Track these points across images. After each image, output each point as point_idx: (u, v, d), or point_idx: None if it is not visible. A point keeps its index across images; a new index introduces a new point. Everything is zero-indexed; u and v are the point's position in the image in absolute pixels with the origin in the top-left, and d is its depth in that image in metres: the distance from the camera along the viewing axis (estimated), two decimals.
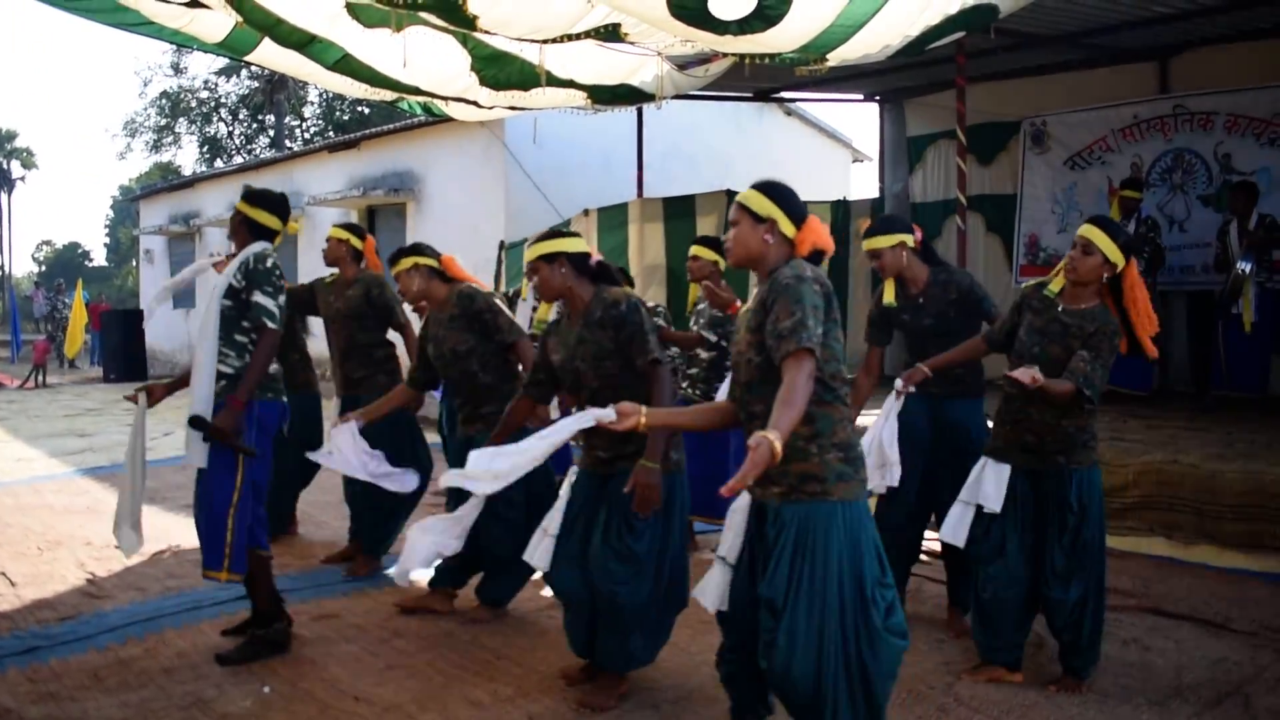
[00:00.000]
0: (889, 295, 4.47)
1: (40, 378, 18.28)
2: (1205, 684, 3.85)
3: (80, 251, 61.96)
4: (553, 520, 3.78)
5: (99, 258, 60.99)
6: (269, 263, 4.10)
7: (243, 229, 4.24)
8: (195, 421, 3.94)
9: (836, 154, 16.71)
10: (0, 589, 5.16)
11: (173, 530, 6.39)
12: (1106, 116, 8.99)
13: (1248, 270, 7.18)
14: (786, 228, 2.99)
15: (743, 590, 3.01)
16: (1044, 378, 3.51)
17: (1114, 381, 4.39)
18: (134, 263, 36.74)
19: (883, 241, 4.40)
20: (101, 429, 11.64)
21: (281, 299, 4.10)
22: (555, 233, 3.90)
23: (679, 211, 10.69)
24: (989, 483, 3.86)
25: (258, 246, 4.15)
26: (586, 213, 10.83)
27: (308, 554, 5.75)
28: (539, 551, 3.77)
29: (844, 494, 2.83)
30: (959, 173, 7.64)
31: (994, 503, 3.84)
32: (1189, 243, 8.35)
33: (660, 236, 10.62)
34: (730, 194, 10.80)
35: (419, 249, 4.75)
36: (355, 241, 5.60)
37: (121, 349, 18.75)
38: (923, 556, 5.12)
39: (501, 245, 11.48)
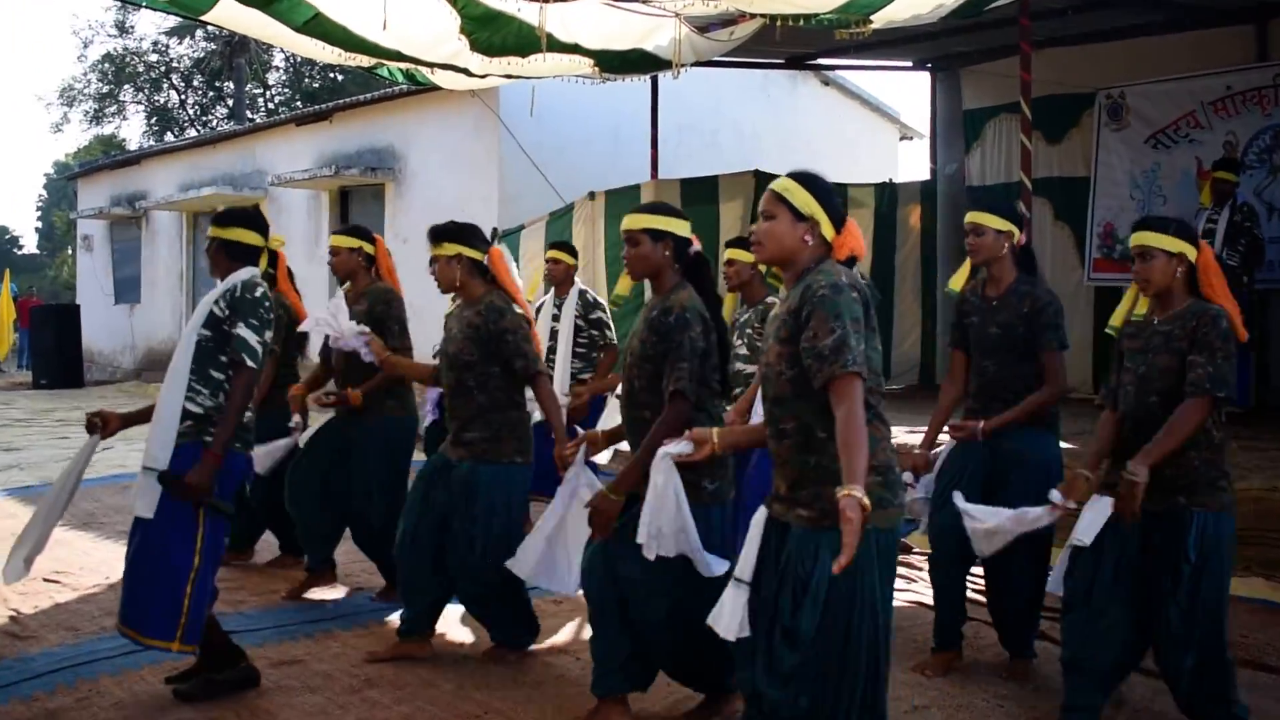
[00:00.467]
0: (958, 281, 4.57)
1: None
2: None
3: (7, 238, 62.29)
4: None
5: (29, 245, 61.30)
6: (258, 293, 4.16)
7: (221, 255, 4.29)
8: (164, 478, 3.93)
9: (882, 130, 16.72)
10: None
11: (112, 561, 6.38)
12: (1195, 88, 8.96)
13: None
14: (827, 230, 3.11)
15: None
16: (1139, 470, 3.57)
17: None
18: (70, 251, 36.95)
19: (992, 221, 4.48)
20: (31, 443, 11.68)
21: (268, 335, 4.17)
22: (668, 209, 4.09)
23: (699, 195, 10.68)
24: (1085, 516, 3.80)
25: (246, 273, 4.21)
26: (592, 196, 10.83)
27: (266, 589, 5.73)
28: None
29: (879, 521, 2.87)
30: (1023, 152, 7.61)
31: (1085, 535, 3.76)
32: None
33: None
34: (758, 175, 10.81)
35: (468, 236, 4.82)
36: (367, 248, 5.67)
37: (54, 350, 18.80)
38: (977, 595, 5.08)
39: (494, 233, 11.44)
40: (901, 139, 17.08)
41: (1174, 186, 9.06)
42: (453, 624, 5.23)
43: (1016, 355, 4.33)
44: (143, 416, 4.27)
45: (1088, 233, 9.53)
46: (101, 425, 4.25)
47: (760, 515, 3.15)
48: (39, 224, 59.09)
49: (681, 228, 3.99)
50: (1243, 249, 7.82)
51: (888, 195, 11.12)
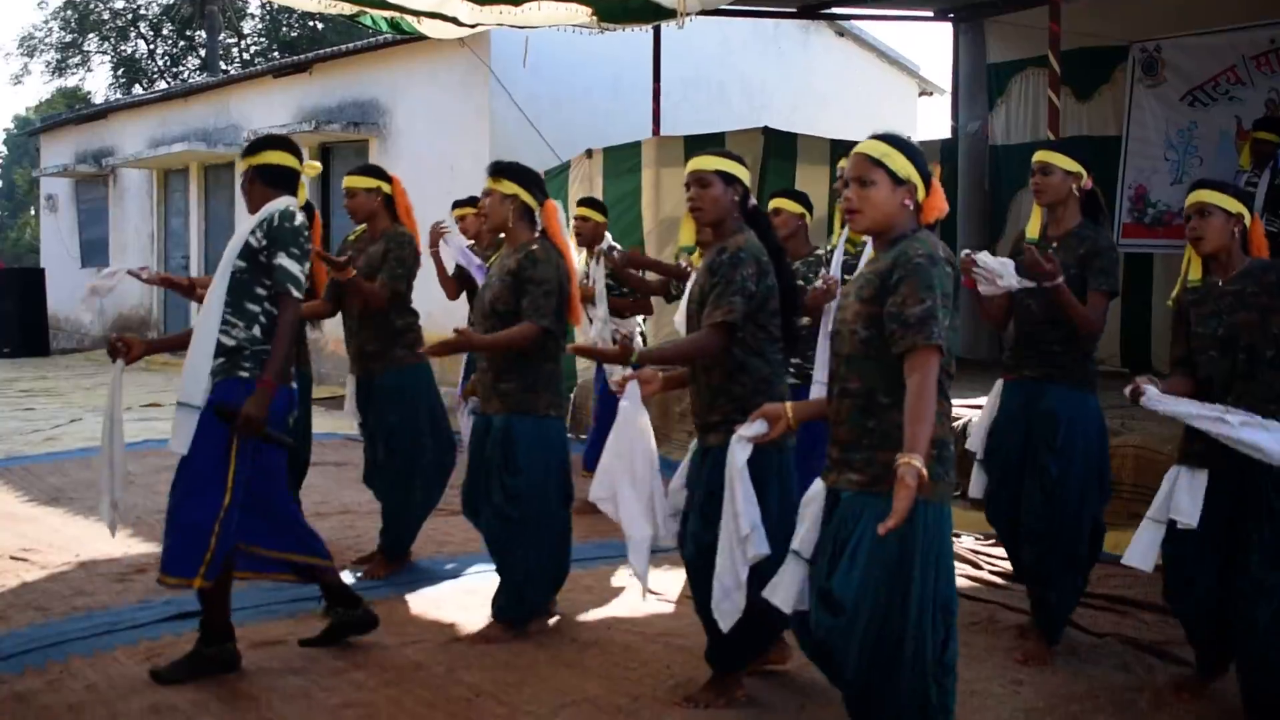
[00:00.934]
0: (1033, 228, 4.72)
1: None
2: None
3: None
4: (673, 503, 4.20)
5: None
6: (297, 221, 4.26)
7: (257, 183, 4.37)
8: (222, 410, 4.07)
9: (900, 85, 16.68)
10: None
11: (82, 538, 6.45)
12: (1236, 41, 8.93)
13: None
14: (922, 193, 3.23)
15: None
16: None
17: None
18: (33, 211, 36.85)
19: (1061, 161, 4.66)
20: None
21: (308, 265, 4.29)
22: (734, 155, 4.22)
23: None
24: (1184, 494, 3.95)
25: (283, 202, 4.29)
26: (589, 153, 10.82)
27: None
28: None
29: (929, 494, 2.97)
30: (1050, 109, 7.61)
31: (1189, 516, 3.92)
32: None
33: (681, 183, 10.61)
34: (767, 132, 10.80)
35: (529, 180, 4.94)
36: (385, 187, 5.75)
37: (17, 317, 18.82)
38: (997, 579, 5.15)
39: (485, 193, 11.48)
40: (921, 95, 17.04)
41: (1211, 147, 9.03)
42: (442, 606, 5.30)
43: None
44: (166, 344, 4.47)
45: (1118, 196, 9.51)
46: (125, 349, 4.35)
47: (818, 487, 3.30)
48: None
49: (745, 175, 4.15)
50: None
51: None
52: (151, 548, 6.23)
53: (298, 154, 4.46)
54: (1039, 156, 4.73)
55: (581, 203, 7.41)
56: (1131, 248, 9.48)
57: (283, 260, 4.17)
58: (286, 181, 4.37)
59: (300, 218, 4.28)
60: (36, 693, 4.19)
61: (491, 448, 4.81)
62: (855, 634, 3.05)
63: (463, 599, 5.41)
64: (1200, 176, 8.98)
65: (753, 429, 3.49)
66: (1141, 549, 4.04)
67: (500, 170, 4.93)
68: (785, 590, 3.30)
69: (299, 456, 6.22)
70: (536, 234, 4.89)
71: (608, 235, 7.21)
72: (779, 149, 10.77)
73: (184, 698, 4.13)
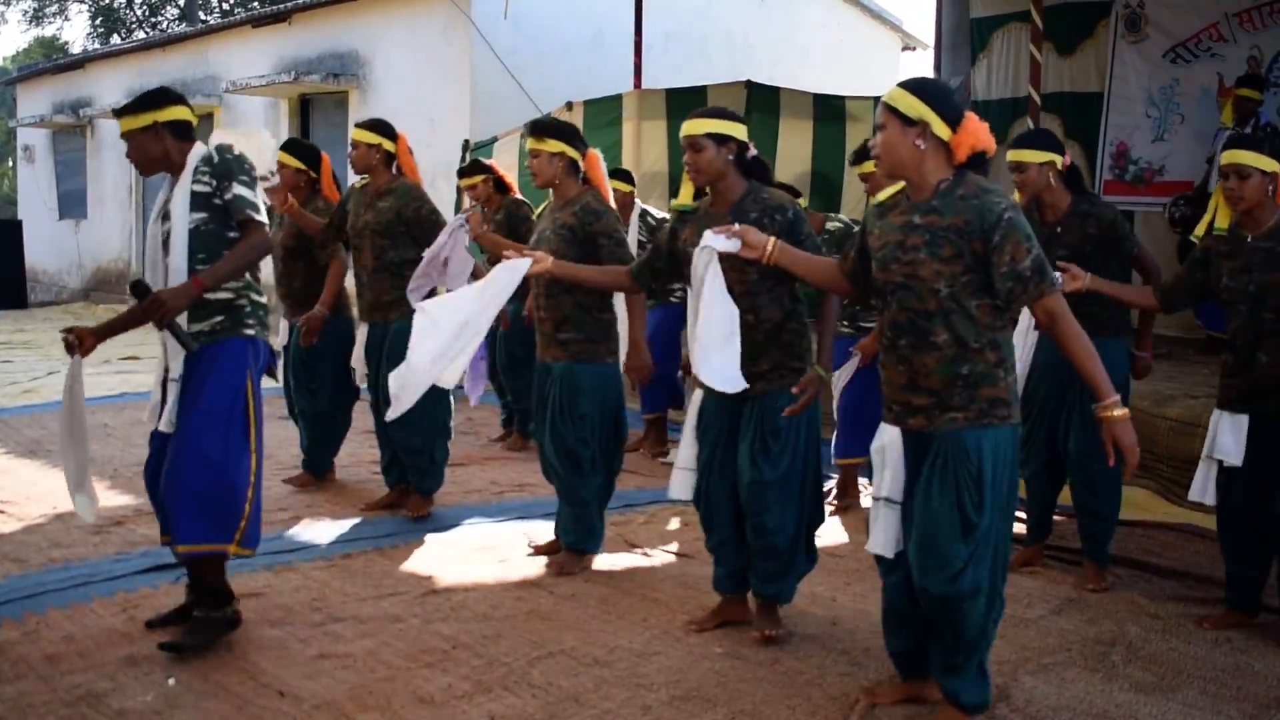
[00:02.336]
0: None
1: None
2: None
3: None
4: (684, 454, 4.33)
5: None
6: (236, 150, 4.12)
7: (169, 136, 4.09)
8: (135, 287, 3.90)
9: (883, 39, 16.62)
10: None
11: (60, 490, 6.42)
12: None
13: None
14: (940, 129, 3.26)
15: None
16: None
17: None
18: (10, 162, 36.49)
19: (1031, 156, 4.77)
20: None
21: (260, 193, 4.16)
22: (726, 112, 4.21)
23: (685, 106, 10.55)
24: (1227, 436, 4.29)
25: (202, 147, 4.11)
26: (570, 106, 10.76)
27: None
28: (676, 484, 4.36)
29: (1014, 417, 3.36)
30: (1033, 64, 7.60)
31: (1235, 456, 4.27)
32: None
33: (662, 137, 10.56)
34: (751, 86, 10.73)
35: (570, 135, 4.99)
36: (387, 144, 5.82)
37: None
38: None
39: (466, 145, 11.42)
40: (904, 49, 16.99)
41: (1193, 104, 9.02)
42: (419, 559, 5.31)
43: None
44: (116, 326, 4.26)
45: (1099, 152, 9.50)
46: (78, 343, 4.14)
47: (892, 434, 3.45)
48: None
49: (740, 131, 4.17)
50: None
51: None
52: (129, 500, 6.22)
53: (182, 98, 4.22)
54: (1012, 156, 4.81)
55: (611, 174, 7.45)
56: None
57: (237, 189, 4.00)
58: (190, 134, 4.15)
59: (236, 149, 4.13)
60: (13, 644, 4.18)
61: (555, 392, 4.97)
62: (985, 558, 3.31)
63: (439, 551, 5.42)
64: (1181, 134, 9.03)
65: (723, 242, 3.76)
66: (1200, 484, 4.42)
67: (543, 129, 4.99)
68: (884, 536, 3.45)
69: (339, 413, 6.46)
70: (582, 184, 5.00)
71: (637, 203, 7.47)
72: (762, 103, 10.70)
73: (159, 649, 4.13)
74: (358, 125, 5.89)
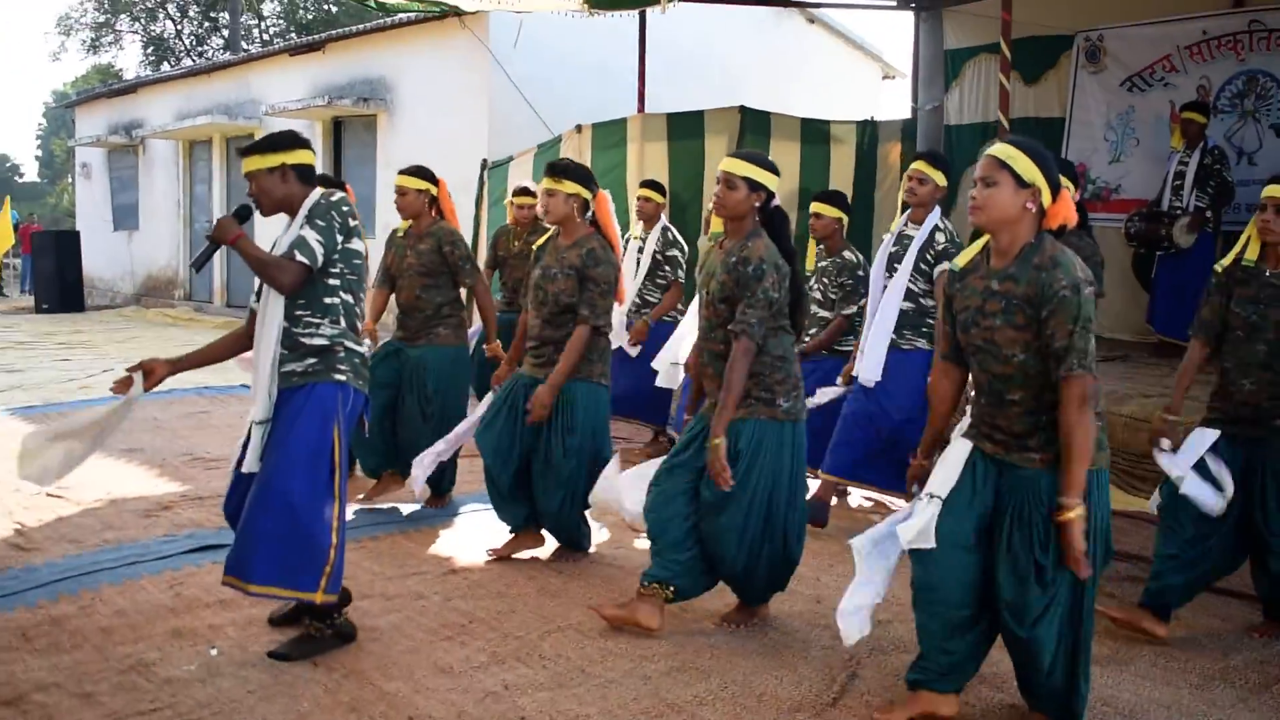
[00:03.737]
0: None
1: None
2: (1253, 666, 3.91)
3: (9, 165, 61.55)
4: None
5: (30, 173, 60.66)
6: (335, 198, 3.82)
7: (294, 179, 3.84)
8: (216, 227, 3.71)
9: (865, 68, 16.59)
10: None
11: (112, 478, 6.43)
12: (1171, 32, 8.89)
13: None
14: (1047, 199, 3.18)
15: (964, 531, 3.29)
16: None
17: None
18: (69, 178, 36.51)
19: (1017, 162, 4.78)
20: (32, 364, 11.66)
21: (340, 240, 3.77)
22: (766, 161, 4.14)
23: (685, 130, 10.60)
24: (1191, 449, 4.14)
25: (319, 192, 3.86)
26: (579, 128, 10.74)
27: None
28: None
29: (1102, 463, 3.24)
30: (1001, 92, 7.58)
31: (1183, 469, 4.09)
32: (1260, 177, 8.29)
33: (663, 157, 10.54)
34: (744, 111, 10.73)
35: (585, 177, 4.94)
36: (432, 189, 5.80)
37: (56, 276, 18.67)
38: None
39: (484, 164, 11.41)
40: (884, 78, 16.95)
41: (1147, 129, 9.02)
42: (439, 541, 5.31)
43: None
44: (195, 360, 3.96)
45: None
46: (146, 376, 3.82)
47: (965, 446, 3.35)
48: (39, 152, 58.42)
49: (774, 182, 4.11)
50: (1212, 191, 7.82)
51: (869, 133, 11.05)
52: (175, 486, 6.23)
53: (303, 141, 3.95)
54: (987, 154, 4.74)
55: (644, 184, 7.61)
56: None
57: (305, 230, 3.72)
58: (312, 179, 3.90)
59: (339, 196, 3.83)
60: (70, 617, 4.19)
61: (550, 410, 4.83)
62: (1060, 601, 3.17)
63: (457, 535, 5.43)
64: (1136, 156, 9.03)
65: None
66: (1195, 491, 4.14)
67: (561, 171, 4.90)
68: (920, 529, 3.29)
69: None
70: (591, 226, 4.93)
71: (663, 216, 7.42)
72: (754, 126, 10.69)
73: (203, 623, 4.14)
74: (402, 172, 5.79)
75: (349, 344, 3.84)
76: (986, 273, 3.27)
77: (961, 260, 3.42)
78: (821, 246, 6.12)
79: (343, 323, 3.83)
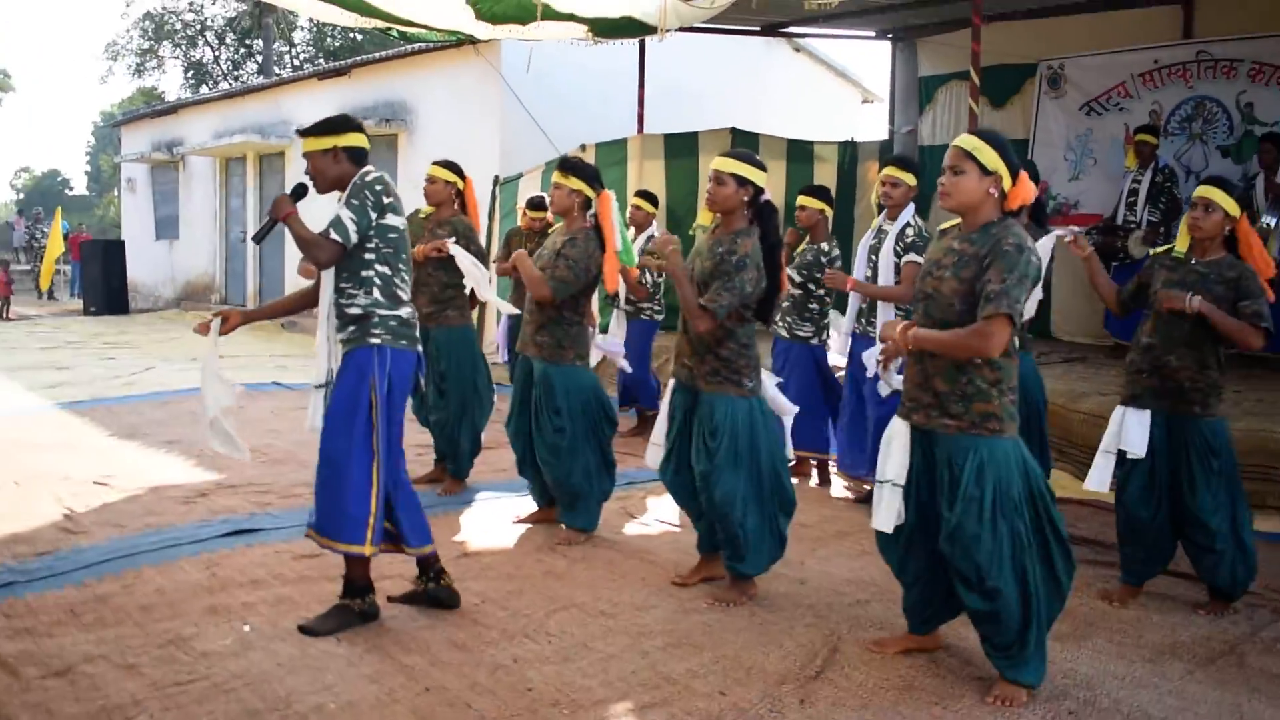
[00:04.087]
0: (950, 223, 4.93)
1: (3, 311, 18.18)
2: (1200, 642, 3.90)
3: (60, 179, 61.36)
4: (658, 432, 4.39)
5: (79, 186, 60.38)
6: (369, 178, 3.80)
7: (344, 159, 3.84)
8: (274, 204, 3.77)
9: (846, 93, 16.55)
10: None
11: (154, 467, 6.42)
12: (1126, 61, 8.90)
13: (1273, 225, 7.15)
14: (1007, 183, 3.27)
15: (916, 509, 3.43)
16: (1198, 303, 3.98)
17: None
18: (115, 192, 36.42)
19: (985, 157, 4.89)
20: (80, 362, 11.64)
21: (374, 216, 3.76)
22: (753, 159, 4.15)
23: (680, 149, 10.60)
24: (1133, 429, 4.17)
25: (362, 170, 3.86)
26: (584, 147, 10.73)
27: (290, 493, 5.78)
28: (650, 458, 4.44)
29: (1015, 432, 3.29)
30: (971, 115, 7.56)
31: (1140, 448, 4.15)
32: None
33: (660, 174, 10.55)
34: (735, 132, 10.72)
35: (592, 177, 4.98)
36: (459, 183, 5.80)
37: (102, 281, 18.69)
38: None
39: (496, 180, 11.39)
40: (863, 102, 16.90)
41: (1104, 150, 9.03)
42: (453, 527, 5.30)
43: None
44: (264, 312, 4.20)
45: None
46: (224, 322, 3.92)
47: (900, 426, 3.42)
48: (88, 167, 58.28)
49: (761, 178, 4.12)
50: (1163, 206, 7.82)
51: (849, 153, 11.05)
52: (212, 475, 6.22)
53: (356, 124, 3.93)
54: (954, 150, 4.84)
55: (637, 194, 7.76)
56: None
57: (342, 209, 3.71)
58: (364, 160, 3.88)
59: (374, 175, 3.81)
60: (114, 595, 4.19)
61: (536, 389, 4.96)
62: (990, 552, 3.25)
63: (472, 521, 5.41)
64: (1094, 175, 9.03)
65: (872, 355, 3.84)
66: (1098, 475, 4.25)
67: (571, 168, 4.96)
68: (886, 513, 3.41)
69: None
70: (589, 219, 4.95)
71: (654, 224, 7.53)
72: (744, 146, 10.69)
73: (236, 601, 4.13)
74: (435, 163, 5.79)
75: (383, 311, 3.82)
76: (955, 235, 3.37)
77: (945, 225, 3.50)
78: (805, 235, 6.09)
79: (377, 293, 3.81)
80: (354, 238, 3.73)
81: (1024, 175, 3.29)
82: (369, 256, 3.80)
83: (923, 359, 3.35)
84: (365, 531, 3.75)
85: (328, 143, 3.81)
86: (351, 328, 3.81)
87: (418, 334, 3.97)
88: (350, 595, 3.92)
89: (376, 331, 3.81)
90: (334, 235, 3.71)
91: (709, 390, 4.15)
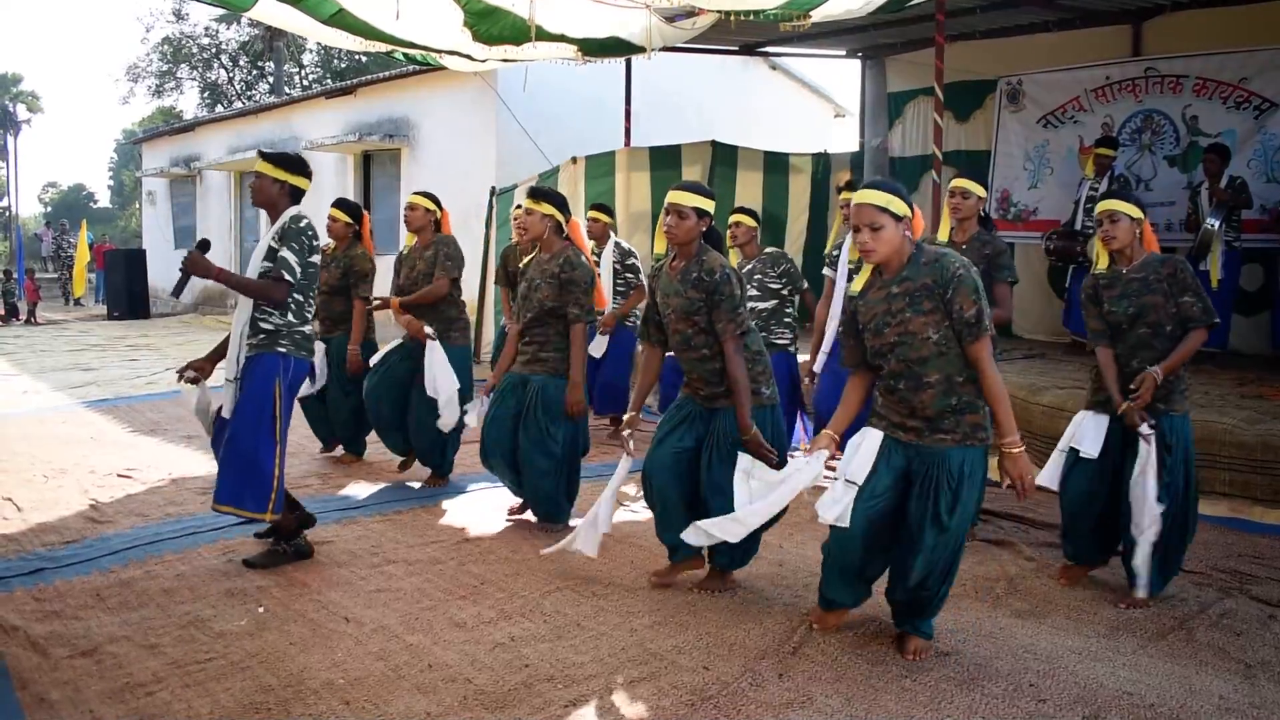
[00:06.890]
0: (944, 232, 4.98)
1: (31, 316, 18.11)
2: (1151, 618, 3.91)
3: (85, 193, 61.04)
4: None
5: (103, 199, 60.10)
6: (303, 224, 4.19)
7: (285, 195, 4.25)
8: (201, 244, 4.18)
9: (819, 108, 16.58)
10: (7, 514, 5.16)
11: (174, 460, 6.40)
12: (1080, 77, 8.92)
13: (1217, 226, 7.17)
14: (913, 221, 3.33)
15: (880, 510, 3.36)
16: (1160, 371, 3.96)
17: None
18: (137, 204, 36.26)
19: (973, 186, 4.96)
20: (105, 364, 11.59)
21: (312, 258, 4.19)
22: (705, 190, 4.07)
23: (664, 161, 10.61)
24: (1089, 432, 4.13)
25: (293, 211, 4.24)
26: (574, 160, 10.73)
27: (299, 484, 5.76)
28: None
29: (988, 440, 3.32)
30: (936, 129, 7.59)
31: (1093, 449, 4.12)
32: (1155, 201, 8.33)
33: (646, 185, 10.55)
34: (715, 145, 10.72)
35: (560, 202, 4.93)
36: (438, 212, 5.85)
37: (124, 288, 18.63)
38: None
39: (492, 191, 11.37)
40: (835, 116, 16.93)
41: (1060, 160, 9.04)
42: (454, 515, 5.29)
43: None
44: (222, 351, 4.32)
45: (988, 197, 9.49)
46: (197, 372, 4.27)
47: (873, 434, 3.39)
48: (111, 181, 58.01)
49: (712, 206, 4.05)
50: None
51: (822, 164, 11.08)
52: None
53: (307, 171, 4.34)
54: (954, 184, 4.93)
55: (593, 206, 7.52)
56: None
57: (285, 252, 4.11)
58: (299, 199, 4.28)
59: (306, 222, 4.19)
60: (137, 579, 4.17)
61: (531, 400, 4.83)
62: (950, 546, 3.33)
63: (472, 509, 5.40)
64: (1050, 184, 9.06)
65: (812, 471, 3.45)
66: (1050, 472, 4.22)
67: (539, 195, 4.90)
68: (837, 508, 3.35)
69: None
70: (565, 241, 4.91)
71: (612, 234, 7.34)
72: (724, 158, 10.72)
73: (252, 584, 4.12)
74: (415, 194, 5.87)
75: (294, 331, 4.20)
76: (882, 285, 3.35)
77: (857, 285, 3.45)
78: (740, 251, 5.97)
79: (290, 315, 4.18)
80: (298, 275, 4.15)
81: (916, 209, 3.35)
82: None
83: (906, 393, 3.31)
84: (268, 503, 4.11)
85: (282, 175, 4.23)
86: (261, 336, 4.16)
87: (313, 346, 4.33)
88: (285, 539, 4.38)
89: (284, 343, 4.17)
90: (286, 276, 4.12)
91: (728, 405, 3.97)
